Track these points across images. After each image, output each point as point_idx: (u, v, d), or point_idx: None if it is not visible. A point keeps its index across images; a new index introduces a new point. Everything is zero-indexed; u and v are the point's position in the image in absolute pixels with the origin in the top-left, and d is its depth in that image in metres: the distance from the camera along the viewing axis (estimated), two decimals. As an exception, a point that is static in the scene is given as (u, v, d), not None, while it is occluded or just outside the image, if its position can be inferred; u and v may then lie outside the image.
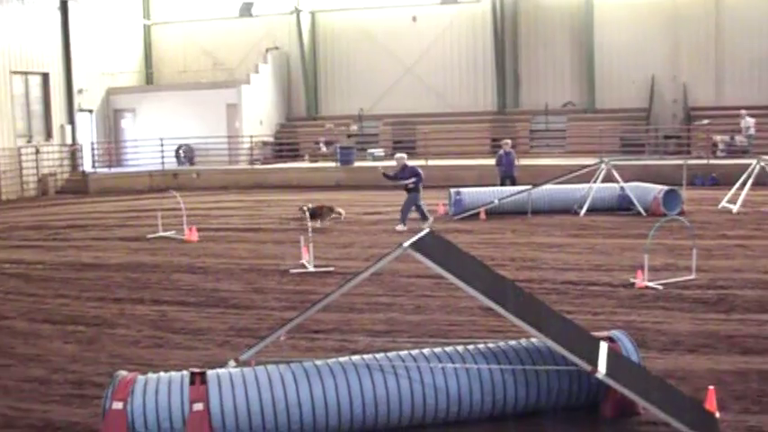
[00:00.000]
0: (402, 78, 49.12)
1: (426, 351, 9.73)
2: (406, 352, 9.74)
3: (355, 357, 9.69)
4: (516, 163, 31.35)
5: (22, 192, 41.76)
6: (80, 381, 11.86)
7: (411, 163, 26.82)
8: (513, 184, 30.01)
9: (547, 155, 42.98)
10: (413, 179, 25.55)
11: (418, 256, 9.15)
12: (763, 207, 27.51)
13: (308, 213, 25.07)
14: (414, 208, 25.81)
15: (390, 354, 9.69)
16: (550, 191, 28.11)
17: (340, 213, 27.16)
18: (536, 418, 9.70)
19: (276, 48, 50.31)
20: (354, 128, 48.35)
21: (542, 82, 47.28)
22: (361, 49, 49.84)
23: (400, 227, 25.12)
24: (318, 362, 9.54)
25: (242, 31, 51.31)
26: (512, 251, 21.02)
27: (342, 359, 9.63)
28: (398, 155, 27.08)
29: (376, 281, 17.03)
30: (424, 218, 25.81)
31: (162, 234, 25.50)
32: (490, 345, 9.97)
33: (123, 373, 9.33)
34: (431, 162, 40.29)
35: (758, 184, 28.40)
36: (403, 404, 9.22)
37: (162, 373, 9.37)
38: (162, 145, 44.27)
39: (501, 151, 31.03)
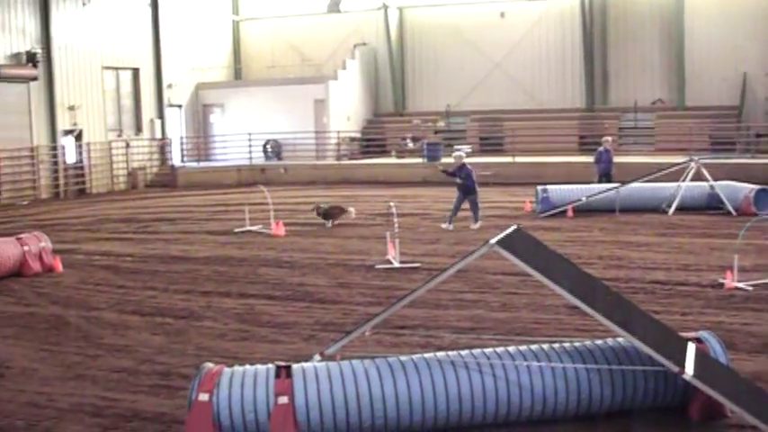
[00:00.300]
0: (490, 74, 48.90)
1: (511, 349, 9.67)
2: (491, 349, 9.69)
3: (440, 354, 9.67)
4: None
5: (112, 185, 42.45)
6: (167, 372, 12.01)
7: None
8: (609, 182, 29.59)
9: (636, 152, 42.39)
10: (467, 180, 25.28)
11: (505, 253, 9.10)
12: None
13: (322, 211, 26.09)
14: (453, 209, 25.56)
15: (475, 351, 9.65)
16: (639, 189, 27.78)
17: (350, 212, 26.74)
18: (623, 419, 9.60)
19: (364, 44, 50.41)
20: (441, 124, 48.26)
21: (631, 78, 46.71)
22: (448, 45, 49.66)
23: (476, 225, 25.01)
24: (403, 357, 9.54)
25: (330, 26, 51.45)
26: (599, 249, 20.82)
27: (427, 355, 9.61)
28: (458, 153, 26.76)
29: (462, 277, 16.98)
30: (450, 221, 25.35)
31: (249, 228, 25.71)
32: (576, 343, 9.88)
33: (209, 365, 9.42)
34: (518, 159, 40.12)
35: None
36: (487, 401, 9.18)
37: (248, 366, 9.43)
38: (250, 140, 44.64)
39: (601, 148, 30.66)
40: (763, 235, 21.52)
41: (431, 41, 50.42)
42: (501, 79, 48.63)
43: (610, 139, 31.67)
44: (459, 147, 41.44)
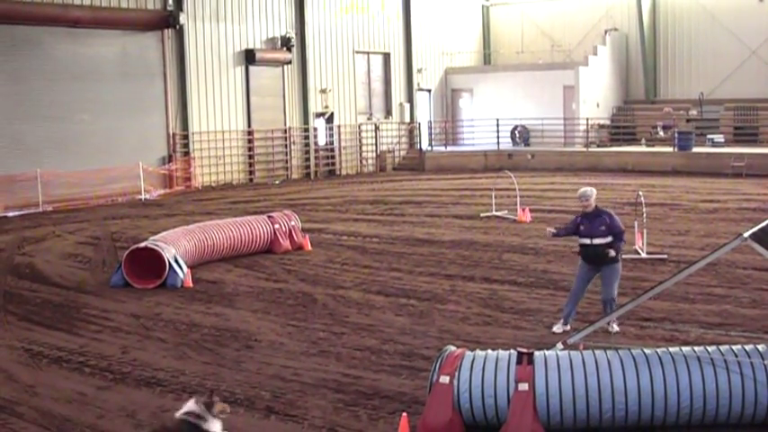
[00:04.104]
0: (746, 62, 47.10)
1: (761, 347, 9.32)
2: (739, 346, 9.37)
3: (685, 348, 9.41)
4: None
5: (361, 167, 43.27)
6: (409, 353, 12.16)
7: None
8: None
9: None
10: (608, 237, 12.78)
11: (758, 247, 8.80)
12: None
13: None
14: (573, 296, 13.27)
15: (722, 347, 9.34)
16: None
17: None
18: None
19: (615, 29, 49.51)
20: (694, 112, 46.89)
21: None
22: (702, 31, 48.12)
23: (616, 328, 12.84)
24: (647, 350, 9.33)
25: (580, 12, 50.76)
26: None
27: (672, 349, 9.36)
28: (585, 189, 13.27)
29: (711, 271, 16.54)
30: (566, 319, 13.17)
31: (495, 213, 25.71)
32: (833, 345, 9.41)
33: (452, 348, 9.47)
34: (774, 150, 38.62)
35: None
36: (733, 400, 8.89)
37: (489, 351, 9.43)
38: (498, 125, 44.60)
39: None
40: None
41: (684, 27, 48.96)
42: (758, 67, 46.65)
43: None
44: (711, 136, 40.32)
